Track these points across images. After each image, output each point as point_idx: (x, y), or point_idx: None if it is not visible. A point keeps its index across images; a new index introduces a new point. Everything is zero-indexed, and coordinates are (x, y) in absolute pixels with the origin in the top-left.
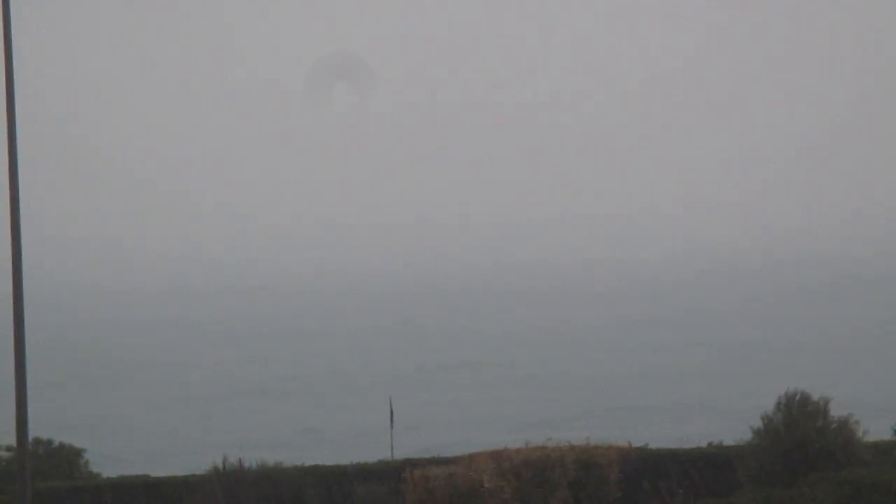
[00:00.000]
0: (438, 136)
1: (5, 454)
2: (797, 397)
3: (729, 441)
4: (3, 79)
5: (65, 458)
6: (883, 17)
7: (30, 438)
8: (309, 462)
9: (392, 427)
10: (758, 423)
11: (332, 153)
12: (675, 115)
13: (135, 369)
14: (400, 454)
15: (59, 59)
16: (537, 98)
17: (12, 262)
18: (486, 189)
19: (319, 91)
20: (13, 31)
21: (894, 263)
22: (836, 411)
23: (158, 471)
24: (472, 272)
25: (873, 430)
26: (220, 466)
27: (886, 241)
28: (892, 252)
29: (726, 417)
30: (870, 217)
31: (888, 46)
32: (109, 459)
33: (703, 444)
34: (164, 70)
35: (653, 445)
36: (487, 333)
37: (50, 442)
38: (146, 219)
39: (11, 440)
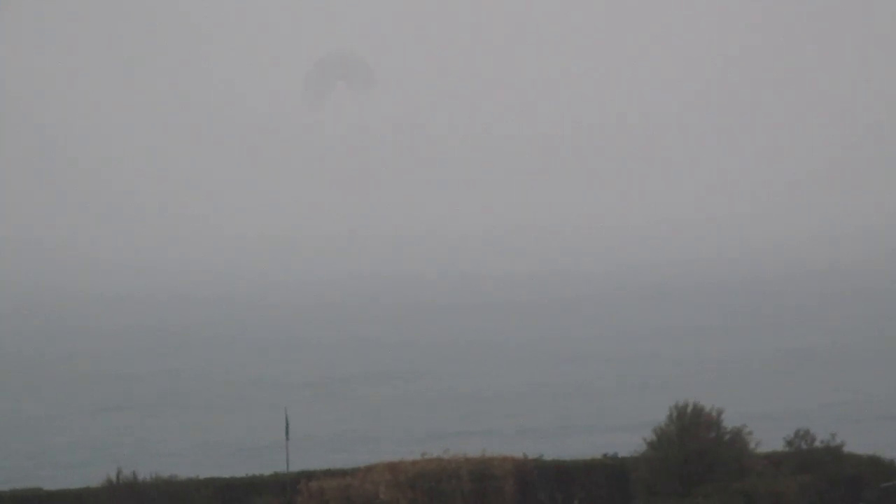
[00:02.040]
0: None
1: None
2: (689, 409)
3: (624, 453)
4: None
5: None
6: None
7: None
8: (203, 475)
9: (287, 439)
10: (651, 436)
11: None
12: (688, 130)
13: (43, 376)
14: (303, 466)
15: (37, 62)
16: (538, 99)
17: None
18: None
19: (319, 92)
20: None
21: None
22: (729, 422)
23: (54, 483)
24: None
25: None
26: (114, 479)
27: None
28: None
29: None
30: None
31: None
32: (3, 471)
33: (599, 455)
34: (159, 72)
35: (548, 457)
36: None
37: None
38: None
39: None
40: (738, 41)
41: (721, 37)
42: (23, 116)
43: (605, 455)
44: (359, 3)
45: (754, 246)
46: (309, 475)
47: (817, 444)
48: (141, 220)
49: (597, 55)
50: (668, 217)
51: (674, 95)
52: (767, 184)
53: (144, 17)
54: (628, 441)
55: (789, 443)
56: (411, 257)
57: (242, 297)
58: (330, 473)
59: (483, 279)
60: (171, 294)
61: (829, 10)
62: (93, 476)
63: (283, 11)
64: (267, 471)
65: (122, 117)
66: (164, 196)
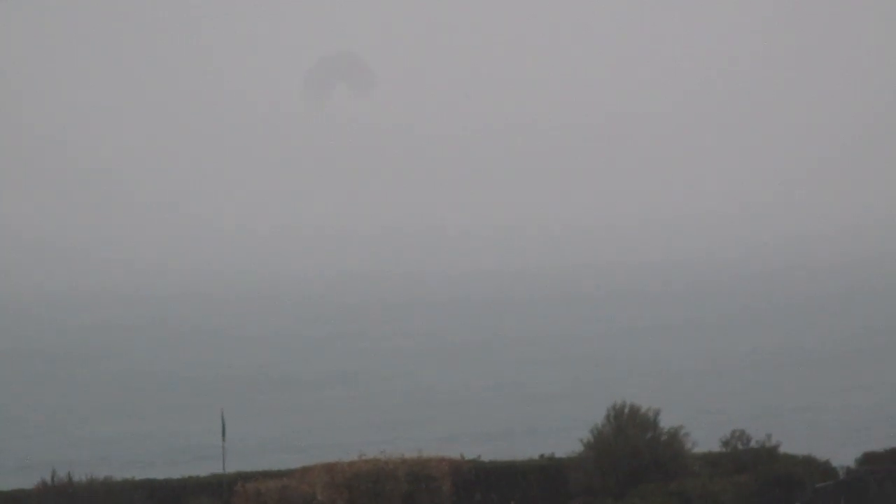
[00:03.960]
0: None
1: None
2: (626, 409)
3: (561, 453)
4: None
5: None
6: None
7: None
8: (139, 476)
9: (224, 440)
10: (587, 436)
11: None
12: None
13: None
14: (240, 467)
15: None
16: (540, 100)
17: None
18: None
19: (319, 92)
20: None
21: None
22: (665, 423)
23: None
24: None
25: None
26: (49, 481)
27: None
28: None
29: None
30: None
31: None
32: None
33: (536, 455)
34: (159, 72)
35: (485, 458)
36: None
37: None
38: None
39: None
40: (736, 42)
41: (719, 37)
42: (24, 115)
43: (541, 456)
44: (359, 3)
45: (749, 244)
46: (246, 476)
47: (753, 444)
48: (141, 218)
49: (596, 55)
50: (658, 216)
51: (668, 95)
52: (761, 182)
53: (145, 17)
54: (572, 442)
55: (725, 443)
56: (409, 254)
57: (204, 292)
58: (267, 475)
59: (483, 277)
60: (141, 291)
61: (830, 11)
62: (29, 479)
63: (283, 12)
64: (204, 472)
65: (121, 118)
66: (163, 194)
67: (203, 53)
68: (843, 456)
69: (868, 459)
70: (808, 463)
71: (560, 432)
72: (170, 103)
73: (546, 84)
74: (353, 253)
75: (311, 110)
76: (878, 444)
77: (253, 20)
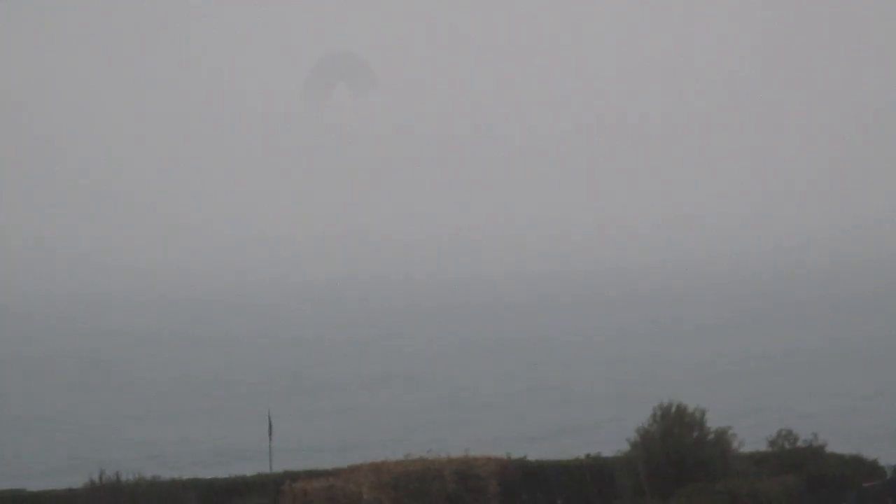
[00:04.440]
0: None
1: None
2: (673, 409)
3: (608, 453)
4: None
5: None
6: None
7: None
8: (187, 476)
9: (271, 440)
10: (634, 436)
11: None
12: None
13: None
14: (287, 467)
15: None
16: (539, 100)
17: None
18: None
19: (320, 92)
20: None
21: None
22: (712, 423)
23: (37, 485)
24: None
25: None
26: (97, 480)
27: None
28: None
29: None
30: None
31: None
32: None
33: (583, 455)
34: (159, 72)
35: (531, 458)
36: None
37: None
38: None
39: None
40: (741, 42)
41: (725, 38)
42: (20, 117)
43: (587, 455)
44: (359, 3)
45: (755, 246)
46: (293, 476)
47: (800, 443)
48: (140, 221)
49: (599, 56)
50: (668, 217)
51: (669, 97)
52: (766, 184)
53: (144, 18)
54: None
55: (772, 443)
56: (411, 258)
57: (235, 297)
58: (313, 474)
59: (484, 280)
60: (166, 295)
61: (833, 12)
62: (78, 478)
63: (283, 12)
64: (250, 472)
65: (120, 119)
66: (162, 197)
67: (202, 53)
68: (890, 455)
69: None
70: (856, 462)
71: (604, 433)
72: (169, 104)
73: (546, 83)
74: (366, 255)
75: (312, 111)
76: None
77: (254, 20)
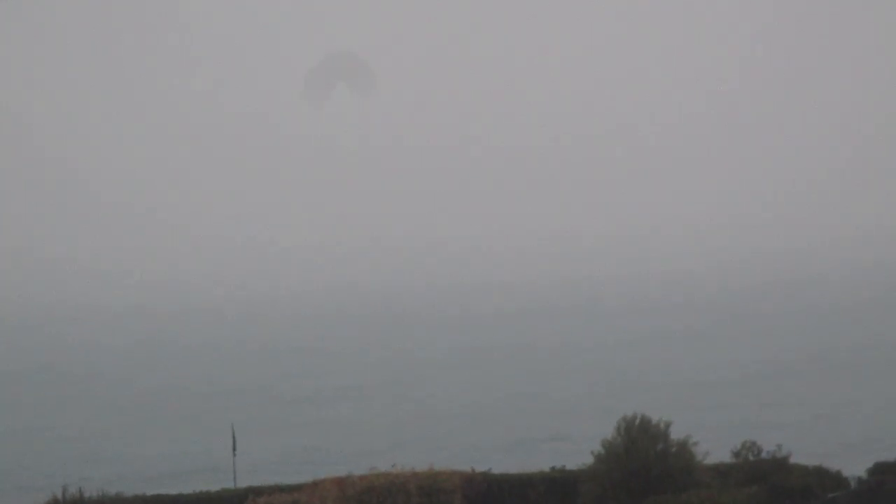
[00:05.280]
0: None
1: None
2: (637, 421)
3: (572, 466)
4: None
5: None
6: None
7: None
8: (150, 492)
9: (235, 455)
10: (599, 448)
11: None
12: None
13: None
14: (251, 482)
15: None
16: (540, 100)
17: None
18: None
19: (320, 93)
20: None
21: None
22: (675, 434)
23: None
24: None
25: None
26: (60, 497)
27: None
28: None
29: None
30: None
31: None
32: None
33: (547, 468)
34: (158, 73)
35: (496, 471)
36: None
37: None
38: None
39: None
40: (745, 50)
41: (729, 45)
42: (19, 124)
43: (552, 468)
44: (359, 3)
45: (763, 252)
46: (257, 491)
47: (764, 455)
48: (139, 228)
49: (601, 63)
50: (671, 224)
51: (672, 100)
52: (772, 191)
53: (143, 19)
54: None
55: (736, 454)
56: (407, 265)
57: (219, 306)
58: (278, 489)
59: (486, 287)
60: (147, 306)
61: (839, 16)
62: (38, 496)
63: (283, 12)
64: (215, 487)
65: (119, 120)
66: (162, 201)
67: (202, 54)
68: (854, 466)
69: (879, 469)
70: (820, 473)
71: (572, 444)
72: (169, 104)
73: (548, 84)
74: (353, 263)
75: (312, 111)
76: (890, 454)
77: (253, 21)
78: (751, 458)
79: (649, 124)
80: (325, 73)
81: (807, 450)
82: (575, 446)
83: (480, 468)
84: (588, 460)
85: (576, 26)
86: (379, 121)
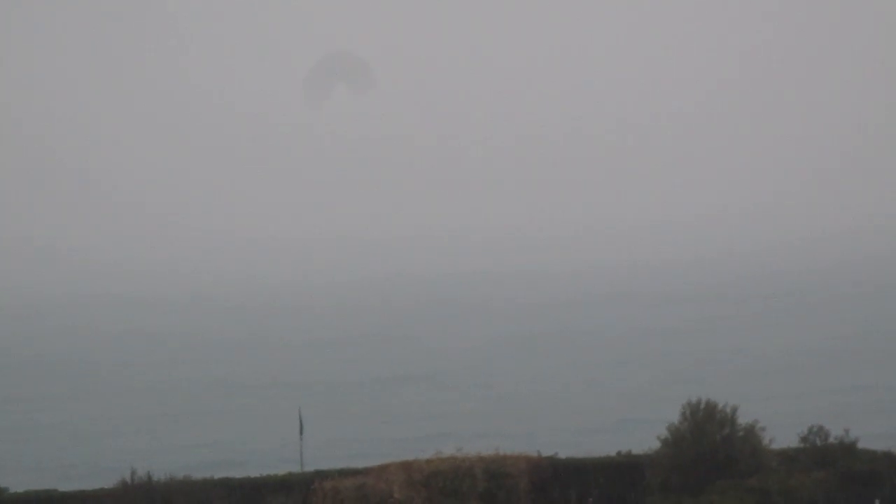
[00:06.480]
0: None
1: None
2: (702, 406)
3: (638, 451)
4: None
5: None
6: None
7: None
8: (218, 475)
9: (301, 438)
10: (665, 433)
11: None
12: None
13: (55, 379)
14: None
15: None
16: (541, 101)
17: None
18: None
19: (319, 93)
20: None
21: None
22: (742, 419)
23: (69, 485)
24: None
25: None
26: (129, 480)
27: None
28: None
29: None
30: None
31: None
32: (18, 472)
33: (614, 452)
34: (157, 73)
35: (562, 455)
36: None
37: None
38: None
39: None
40: (745, 44)
41: (728, 40)
42: (18, 121)
43: (618, 453)
44: (358, 3)
45: (767, 243)
46: (323, 475)
47: (831, 440)
48: (140, 222)
49: (602, 59)
50: (673, 217)
51: (673, 100)
52: (774, 183)
53: (142, 19)
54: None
55: (803, 439)
56: (414, 257)
57: (243, 300)
58: (344, 473)
59: (487, 278)
60: (175, 297)
61: (838, 13)
62: (104, 480)
63: (282, 12)
64: (282, 472)
65: (118, 120)
66: (161, 199)
67: (202, 54)
68: None
69: None
70: (888, 458)
71: (637, 429)
72: (169, 104)
73: (549, 85)
74: (372, 257)
75: (311, 111)
76: None
77: (253, 21)
78: (818, 443)
79: (661, 118)
80: (324, 73)
81: (875, 434)
82: (641, 431)
83: (546, 453)
84: (654, 445)
85: (576, 26)
86: (378, 120)
